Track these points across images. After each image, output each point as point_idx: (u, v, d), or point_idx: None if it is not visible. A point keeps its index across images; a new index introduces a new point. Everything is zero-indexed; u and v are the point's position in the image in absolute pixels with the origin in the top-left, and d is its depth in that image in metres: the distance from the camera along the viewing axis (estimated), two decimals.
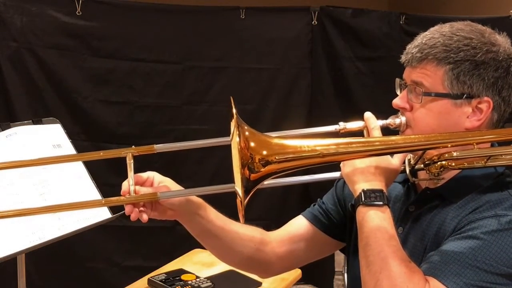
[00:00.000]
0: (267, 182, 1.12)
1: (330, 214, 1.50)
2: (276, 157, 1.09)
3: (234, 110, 1.07)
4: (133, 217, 1.27)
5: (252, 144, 1.08)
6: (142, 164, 3.55)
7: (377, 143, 1.16)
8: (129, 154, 1.25)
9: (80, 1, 3.10)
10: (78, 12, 3.12)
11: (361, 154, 1.15)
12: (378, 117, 1.27)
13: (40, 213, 1.57)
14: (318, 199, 1.55)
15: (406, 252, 1.19)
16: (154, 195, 1.25)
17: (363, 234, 1.16)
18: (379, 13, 3.52)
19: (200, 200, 1.37)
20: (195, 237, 1.46)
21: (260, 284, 2.09)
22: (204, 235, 1.43)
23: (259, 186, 1.09)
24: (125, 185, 1.26)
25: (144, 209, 1.29)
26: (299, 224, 1.52)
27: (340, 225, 1.48)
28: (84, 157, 1.29)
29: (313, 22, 3.43)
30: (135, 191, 1.25)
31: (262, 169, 1.07)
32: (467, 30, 1.24)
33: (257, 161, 1.07)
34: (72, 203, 1.29)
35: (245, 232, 1.47)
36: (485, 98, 1.23)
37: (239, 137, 1.06)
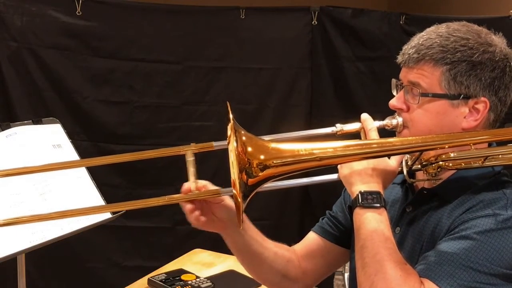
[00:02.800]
0: (266, 186, 1.12)
1: (339, 223, 1.51)
2: (274, 162, 1.09)
3: (230, 116, 1.07)
4: (194, 217, 1.28)
5: (249, 149, 1.08)
6: (146, 165, 3.53)
7: (374, 145, 1.17)
8: (188, 151, 1.23)
9: (80, 1, 3.10)
10: (78, 12, 3.11)
11: (358, 156, 1.15)
12: (376, 117, 1.28)
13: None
14: (327, 211, 1.56)
15: (404, 252, 1.19)
16: (217, 191, 1.26)
17: (359, 236, 1.17)
18: (379, 13, 3.51)
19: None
20: (235, 254, 1.46)
21: (260, 284, 2.09)
22: (245, 251, 1.44)
23: (256, 190, 1.09)
24: (186, 184, 1.26)
25: (198, 213, 1.30)
26: (311, 240, 1.54)
27: (350, 232, 1.48)
28: (142, 155, 1.26)
29: (313, 22, 3.43)
30: (197, 188, 1.24)
31: (260, 174, 1.08)
32: (463, 31, 1.25)
33: (254, 166, 1.07)
34: (136, 201, 1.23)
35: (279, 249, 1.48)
36: (482, 98, 1.23)
37: (236, 142, 1.06)
